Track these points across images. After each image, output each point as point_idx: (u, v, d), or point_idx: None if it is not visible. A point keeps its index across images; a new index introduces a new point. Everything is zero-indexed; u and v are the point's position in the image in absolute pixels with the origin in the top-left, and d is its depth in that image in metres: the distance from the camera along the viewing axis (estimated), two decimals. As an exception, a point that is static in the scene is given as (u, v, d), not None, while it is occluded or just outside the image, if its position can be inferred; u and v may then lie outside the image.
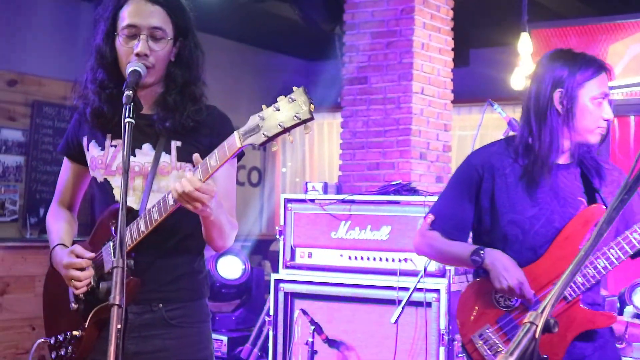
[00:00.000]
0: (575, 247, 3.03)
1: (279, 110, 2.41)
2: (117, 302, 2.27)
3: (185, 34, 2.95)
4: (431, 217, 3.33)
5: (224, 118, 3.02)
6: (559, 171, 3.15)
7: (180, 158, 2.92)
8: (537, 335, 1.54)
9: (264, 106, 2.47)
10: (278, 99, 2.43)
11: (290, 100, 2.40)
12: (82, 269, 2.89)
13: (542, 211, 3.10)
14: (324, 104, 9.96)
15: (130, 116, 2.57)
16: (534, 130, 3.13)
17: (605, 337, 3.14)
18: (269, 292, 5.58)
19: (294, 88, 2.42)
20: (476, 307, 3.21)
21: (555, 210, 3.10)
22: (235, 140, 2.51)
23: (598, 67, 3.10)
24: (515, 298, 3.07)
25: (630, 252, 2.98)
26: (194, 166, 2.64)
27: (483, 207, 3.20)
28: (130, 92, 2.62)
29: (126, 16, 2.87)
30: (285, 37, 10.30)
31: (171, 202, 2.67)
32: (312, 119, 2.39)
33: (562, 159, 3.17)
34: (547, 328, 1.57)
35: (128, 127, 2.55)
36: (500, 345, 3.11)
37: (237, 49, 10.65)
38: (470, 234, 3.33)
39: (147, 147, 2.94)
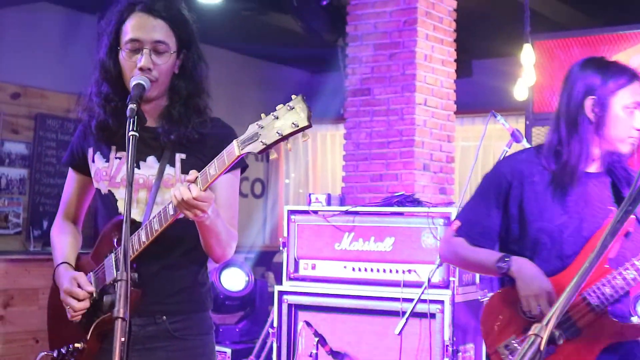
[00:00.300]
0: (604, 257, 2.91)
1: (277, 118, 2.42)
2: (121, 315, 2.26)
3: (189, 47, 2.95)
4: (457, 223, 3.28)
5: (229, 130, 3.01)
6: (589, 180, 3.10)
7: (184, 170, 2.91)
8: (542, 348, 1.54)
9: (263, 115, 2.48)
10: (277, 108, 2.44)
11: (288, 108, 2.41)
12: (79, 299, 2.90)
13: (571, 219, 3.06)
14: (327, 115, 9.98)
15: (134, 129, 2.57)
16: (563, 138, 3.09)
17: (633, 351, 3.09)
18: (273, 304, 5.58)
19: (293, 96, 2.43)
20: (501, 317, 3.16)
21: (584, 218, 3.05)
22: (234, 149, 2.51)
23: (631, 75, 3.06)
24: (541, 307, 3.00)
25: None
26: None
27: (511, 215, 3.16)
28: (134, 105, 2.62)
29: (129, 30, 2.87)
30: (289, 49, 10.33)
31: (171, 212, 2.68)
32: (310, 126, 2.40)
33: (593, 168, 3.13)
34: (551, 340, 1.57)
35: (132, 140, 2.55)
36: None
37: (240, 61, 10.68)
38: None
39: (151, 159, 2.94)
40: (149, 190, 2.91)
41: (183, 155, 2.94)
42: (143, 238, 2.75)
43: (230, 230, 2.92)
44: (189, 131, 2.89)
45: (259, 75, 11.09)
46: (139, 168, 2.92)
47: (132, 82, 2.76)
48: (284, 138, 2.42)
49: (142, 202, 2.92)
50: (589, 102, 3.06)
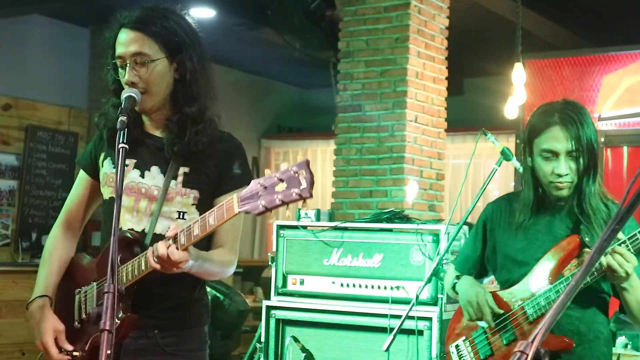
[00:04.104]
0: (544, 273, 3.17)
1: (281, 181, 2.42)
2: (107, 328, 2.26)
3: (180, 52, 2.95)
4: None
5: (237, 145, 3.02)
6: (556, 211, 3.25)
7: (185, 184, 2.92)
8: (527, 365, 1.54)
9: (267, 171, 2.50)
10: (281, 167, 2.44)
11: (293, 172, 2.40)
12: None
13: (530, 245, 3.25)
14: (318, 130, 9.98)
15: (124, 142, 2.58)
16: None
17: None
18: (260, 319, 5.56)
19: (299, 157, 2.44)
20: (459, 323, 3.47)
21: (543, 244, 3.22)
22: (233, 204, 2.52)
23: (546, 123, 3.16)
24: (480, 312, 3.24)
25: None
26: (198, 193, 2.80)
27: (489, 247, 3.43)
28: (125, 117, 2.64)
29: (116, 47, 2.91)
30: (281, 64, 10.34)
31: (142, 267, 2.75)
32: (311, 196, 2.41)
33: (559, 201, 3.26)
34: (537, 357, 1.57)
35: (122, 152, 2.57)
36: (470, 357, 3.34)
37: (232, 76, 10.69)
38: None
39: (155, 169, 2.96)
40: (149, 200, 2.93)
41: (186, 169, 2.94)
42: (143, 267, 2.76)
43: (223, 260, 2.95)
44: (188, 141, 2.89)
45: (251, 91, 11.11)
46: (142, 177, 2.94)
47: (123, 95, 2.78)
48: (284, 204, 2.43)
49: (142, 212, 2.93)
50: (522, 150, 3.29)
